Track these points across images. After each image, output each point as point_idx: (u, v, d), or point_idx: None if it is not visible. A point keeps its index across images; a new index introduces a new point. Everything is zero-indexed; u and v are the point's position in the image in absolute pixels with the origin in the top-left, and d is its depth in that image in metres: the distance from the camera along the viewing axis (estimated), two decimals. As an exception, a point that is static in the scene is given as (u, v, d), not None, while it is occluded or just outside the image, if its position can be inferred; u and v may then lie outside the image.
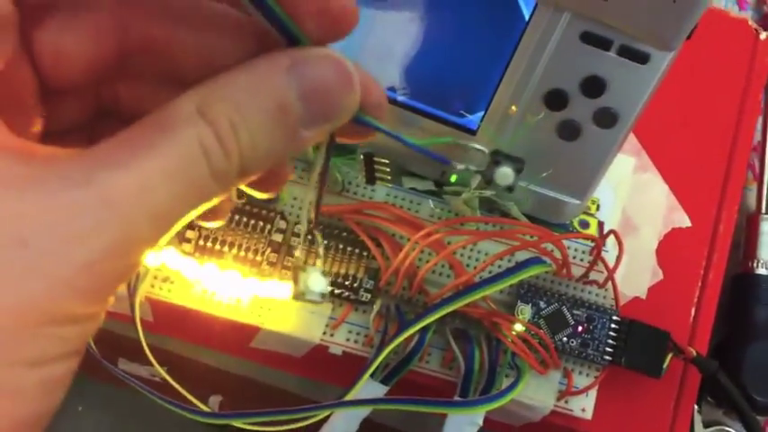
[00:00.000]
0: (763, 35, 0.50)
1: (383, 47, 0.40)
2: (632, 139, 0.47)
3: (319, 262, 0.25)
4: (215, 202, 0.21)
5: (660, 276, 0.47)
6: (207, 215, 0.24)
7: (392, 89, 0.41)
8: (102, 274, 0.19)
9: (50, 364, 0.19)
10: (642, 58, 0.37)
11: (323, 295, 0.25)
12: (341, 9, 0.22)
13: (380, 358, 0.41)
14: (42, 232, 0.18)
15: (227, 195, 0.22)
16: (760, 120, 0.53)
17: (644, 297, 0.46)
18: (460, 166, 0.23)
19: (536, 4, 0.36)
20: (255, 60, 0.21)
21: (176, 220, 0.20)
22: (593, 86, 0.39)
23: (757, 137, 0.53)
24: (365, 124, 0.23)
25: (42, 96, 0.23)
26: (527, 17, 0.37)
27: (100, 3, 0.22)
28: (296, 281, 0.24)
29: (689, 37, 0.36)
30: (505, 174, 0.23)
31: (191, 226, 0.41)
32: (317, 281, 0.24)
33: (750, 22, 0.50)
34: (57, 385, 0.19)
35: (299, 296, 0.24)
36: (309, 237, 0.27)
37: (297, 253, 0.41)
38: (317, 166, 0.24)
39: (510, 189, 0.23)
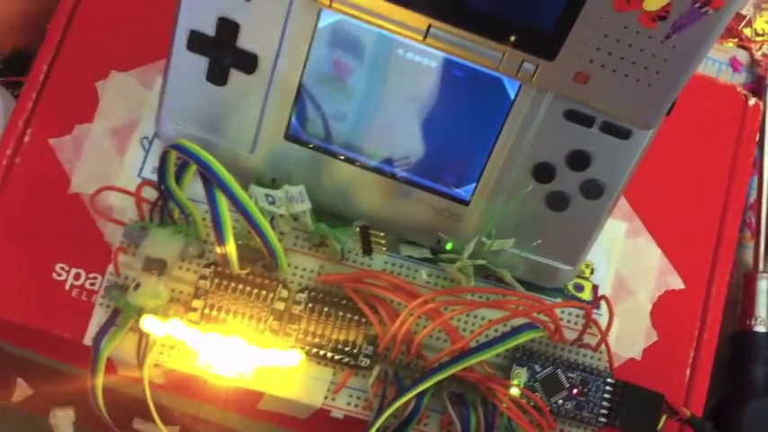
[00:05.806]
0: (752, 101, 0.51)
1: (383, 124, 0.41)
2: (624, 204, 0.49)
3: None
4: None
5: (655, 338, 0.48)
6: None
7: (389, 162, 0.42)
8: None
9: None
10: (624, 134, 0.39)
11: None
12: None
13: (380, 422, 0.42)
14: None
15: None
16: (756, 178, 0.54)
17: (639, 358, 0.47)
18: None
19: (520, 85, 0.38)
20: None
21: None
22: (579, 160, 0.40)
23: (753, 195, 0.54)
24: None
25: None
26: (512, 97, 0.39)
27: None
28: None
29: (668, 113, 0.38)
30: None
31: (197, 295, 0.43)
32: None
33: (739, 89, 0.51)
34: None
35: None
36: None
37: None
38: None
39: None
